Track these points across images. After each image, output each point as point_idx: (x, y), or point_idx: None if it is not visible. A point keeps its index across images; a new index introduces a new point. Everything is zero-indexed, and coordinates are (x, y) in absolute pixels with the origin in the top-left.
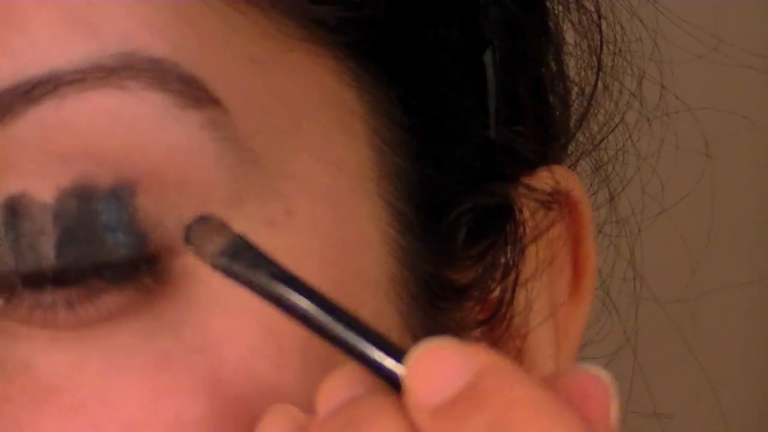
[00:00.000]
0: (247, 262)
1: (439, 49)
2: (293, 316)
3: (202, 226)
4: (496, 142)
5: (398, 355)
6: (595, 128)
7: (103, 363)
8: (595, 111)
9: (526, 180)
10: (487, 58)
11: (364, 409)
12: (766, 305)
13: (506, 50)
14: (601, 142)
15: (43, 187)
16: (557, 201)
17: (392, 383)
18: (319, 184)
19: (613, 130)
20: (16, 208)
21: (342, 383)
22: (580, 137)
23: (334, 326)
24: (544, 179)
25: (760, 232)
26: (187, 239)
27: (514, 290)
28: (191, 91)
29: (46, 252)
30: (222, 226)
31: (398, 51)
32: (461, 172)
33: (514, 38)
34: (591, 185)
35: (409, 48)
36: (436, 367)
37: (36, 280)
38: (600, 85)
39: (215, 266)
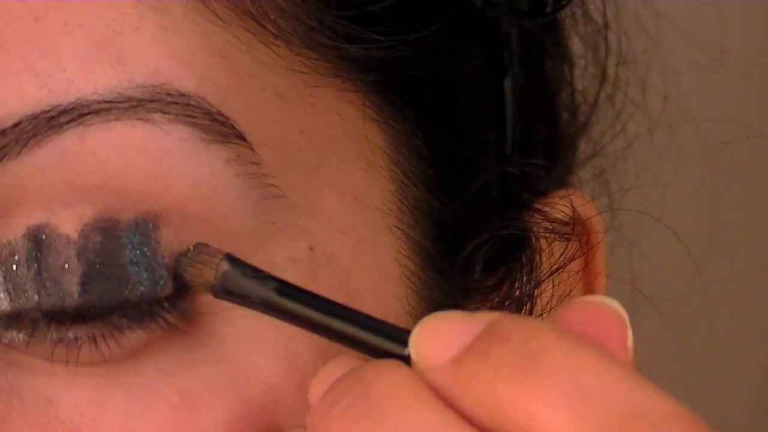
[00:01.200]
0: (244, 281)
1: (461, 80)
2: (298, 323)
3: (194, 257)
4: (513, 168)
5: (404, 337)
6: (597, 136)
7: (125, 401)
8: (598, 120)
9: (542, 206)
10: (507, 84)
11: (368, 370)
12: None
13: (523, 74)
14: (601, 150)
15: (66, 218)
16: (574, 231)
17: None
18: (342, 219)
19: (613, 139)
20: (39, 240)
21: (335, 368)
22: (582, 146)
23: (344, 327)
24: (560, 206)
25: (761, 242)
26: (185, 272)
27: None
28: (217, 126)
29: (70, 288)
30: (211, 251)
31: (421, 84)
32: (479, 202)
33: (532, 61)
34: (592, 191)
35: (432, 80)
36: (445, 329)
37: (59, 316)
38: (604, 94)
39: (215, 294)
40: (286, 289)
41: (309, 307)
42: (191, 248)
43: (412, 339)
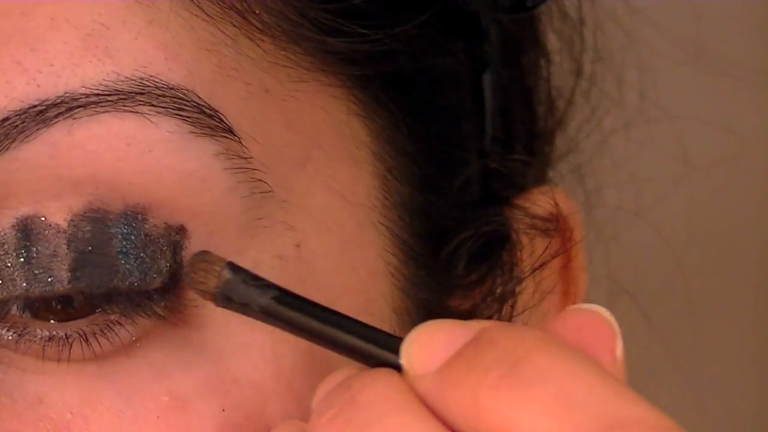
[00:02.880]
0: (244, 289)
1: (444, 75)
2: (296, 331)
3: (196, 263)
4: (492, 162)
5: (398, 346)
6: (573, 132)
7: (116, 401)
8: (574, 116)
9: (523, 202)
10: (486, 79)
11: (358, 379)
12: (744, 307)
13: (502, 69)
14: (577, 146)
15: (55, 209)
16: (556, 227)
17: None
18: (328, 215)
19: (588, 135)
20: (29, 230)
21: (337, 378)
22: (558, 142)
23: (342, 336)
24: (541, 202)
25: (738, 238)
26: (187, 278)
27: (511, 318)
28: (206, 119)
29: (60, 275)
30: (213, 258)
31: (405, 78)
32: (461, 198)
33: (510, 56)
34: (568, 187)
35: (416, 75)
36: (435, 337)
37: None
38: (579, 90)
39: (216, 302)
40: (285, 297)
41: (308, 316)
42: (195, 255)
43: (403, 347)
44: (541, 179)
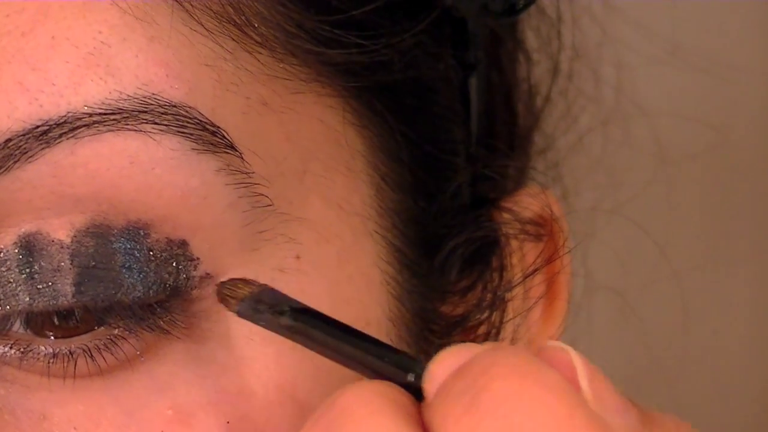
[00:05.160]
0: (269, 306)
1: (437, 81)
2: (315, 347)
3: (231, 284)
4: (480, 165)
5: (404, 363)
6: (550, 129)
7: (120, 416)
8: (551, 114)
9: (512, 205)
10: (473, 82)
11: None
12: (725, 302)
13: (489, 72)
14: (553, 143)
15: (57, 225)
16: (546, 231)
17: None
18: (327, 226)
19: (565, 133)
20: (31, 246)
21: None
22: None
23: (364, 357)
24: (529, 205)
25: (714, 236)
26: (219, 296)
27: (501, 322)
28: (208, 136)
29: (64, 289)
30: (246, 282)
31: (400, 86)
32: (453, 204)
33: (493, 58)
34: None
35: (409, 83)
36: (443, 361)
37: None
38: (556, 88)
39: (239, 314)
40: (303, 315)
41: (325, 333)
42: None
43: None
44: (522, 180)
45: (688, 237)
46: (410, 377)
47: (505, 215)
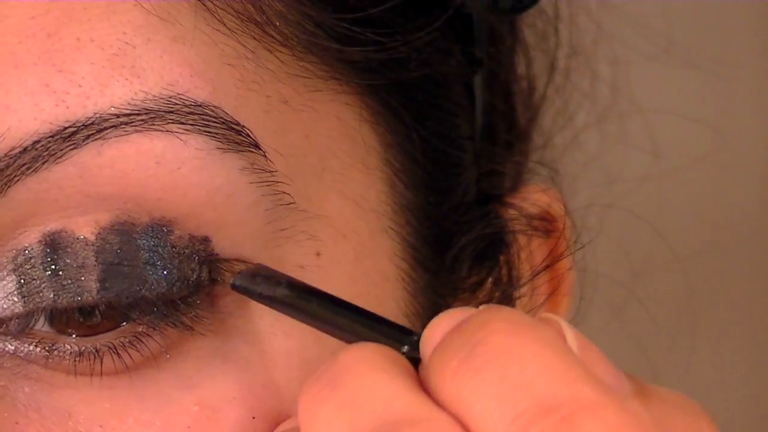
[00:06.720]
0: (265, 278)
1: (445, 78)
2: (311, 321)
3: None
4: (487, 161)
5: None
6: (546, 126)
7: (145, 413)
8: (548, 110)
9: (518, 201)
10: (478, 78)
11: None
12: (718, 298)
13: (493, 69)
14: (550, 140)
15: (82, 223)
16: (552, 227)
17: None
18: (344, 223)
19: (562, 130)
20: (56, 244)
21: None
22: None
23: (347, 323)
24: (535, 201)
25: (708, 233)
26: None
27: None
28: (233, 135)
29: (88, 285)
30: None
31: (413, 83)
32: (463, 200)
33: (495, 55)
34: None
35: (422, 80)
36: (438, 324)
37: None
38: (553, 85)
39: (234, 287)
40: (304, 288)
41: (321, 306)
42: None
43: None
44: (521, 177)
45: (684, 233)
46: (405, 348)
47: (512, 212)
